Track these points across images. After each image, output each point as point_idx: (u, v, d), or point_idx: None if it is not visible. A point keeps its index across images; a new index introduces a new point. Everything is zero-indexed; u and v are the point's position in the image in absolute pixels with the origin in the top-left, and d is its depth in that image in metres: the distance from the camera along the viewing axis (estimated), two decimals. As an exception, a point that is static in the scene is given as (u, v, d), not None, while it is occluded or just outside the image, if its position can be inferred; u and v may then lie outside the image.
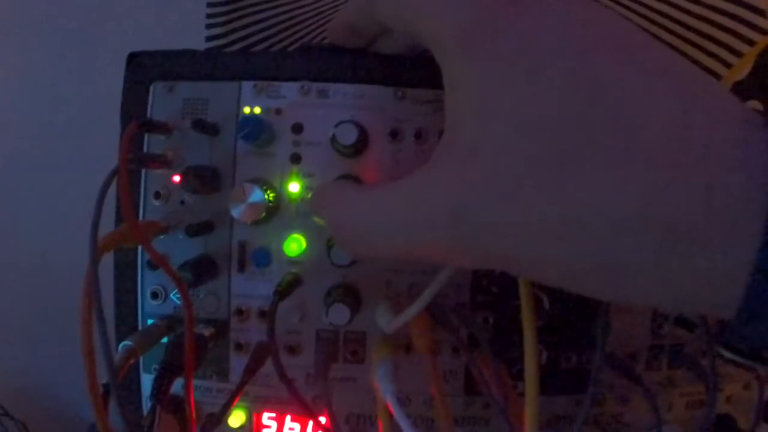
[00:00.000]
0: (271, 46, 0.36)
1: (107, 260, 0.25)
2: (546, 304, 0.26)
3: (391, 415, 0.21)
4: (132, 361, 0.24)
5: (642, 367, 0.28)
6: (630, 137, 0.14)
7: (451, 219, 0.16)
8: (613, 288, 0.16)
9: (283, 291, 0.24)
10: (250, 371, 0.25)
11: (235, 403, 0.25)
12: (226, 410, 0.25)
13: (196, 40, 0.36)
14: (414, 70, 0.26)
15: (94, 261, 0.21)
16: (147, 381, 0.27)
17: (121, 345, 0.24)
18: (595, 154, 0.14)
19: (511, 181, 0.15)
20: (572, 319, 0.27)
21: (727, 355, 0.25)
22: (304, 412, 0.23)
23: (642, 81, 0.15)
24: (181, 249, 0.26)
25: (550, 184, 0.14)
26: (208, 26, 0.35)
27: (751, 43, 0.38)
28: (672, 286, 0.15)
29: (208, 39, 0.35)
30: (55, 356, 0.52)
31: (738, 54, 0.38)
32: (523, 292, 0.21)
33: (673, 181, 0.14)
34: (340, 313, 0.24)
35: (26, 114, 0.51)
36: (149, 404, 0.24)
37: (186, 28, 0.36)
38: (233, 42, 0.36)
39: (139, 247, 0.27)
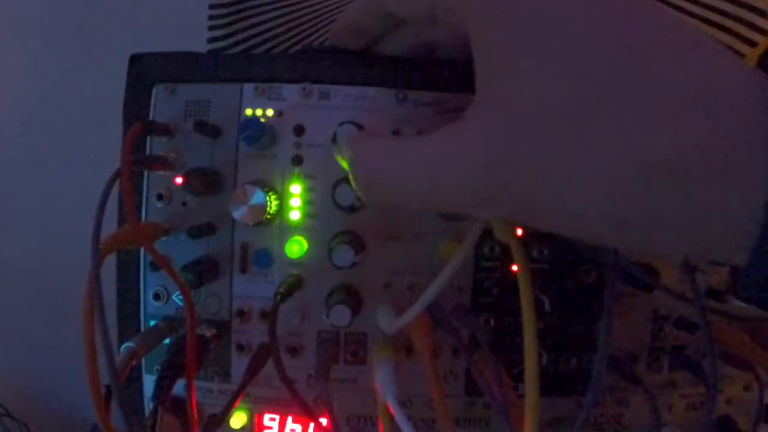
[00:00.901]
0: (273, 47, 0.36)
1: (110, 260, 0.25)
2: (547, 306, 0.26)
3: (391, 417, 0.22)
4: (134, 363, 0.24)
5: (642, 369, 0.28)
6: (658, 84, 0.15)
7: (487, 166, 0.16)
8: (641, 235, 0.16)
9: (285, 293, 0.24)
10: (252, 372, 0.25)
11: (237, 404, 0.25)
12: (227, 411, 0.25)
13: (198, 42, 0.36)
14: (415, 72, 0.26)
15: (96, 264, 0.21)
16: (149, 382, 0.27)
17: (123, 346, 0.24)
18: (626, 101, 0.15)
19: (548, 128, 0.15)
20: (573, 320, 0.27)
21: (739, 303, 0.26)
22: (305, 413, 0.23)
23: (663, 38, 0.15)
24: (183, 250, 0.26)
25: (586, 130, 0.15)
26: (210, 28, 0.35)
27: (752, 44, 0.38)
28: (695, 231, 0.15)
29: (210, 41, 0.35)
30: (56, 356, 0.53)
31: (739, 55, 0.39)
32: (524, 293, 0.21)
33: (697, 127, 0.14)
34: (341, 315, 0.24)
35: (28, 114, 0.51)
36: (151, 405, 0.24)
37: (188, 29, 0.36)
38: (235, 44, 0.36)
39: (142, 249, 0.27)
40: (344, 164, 0.21)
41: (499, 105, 0.16)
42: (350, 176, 0.21)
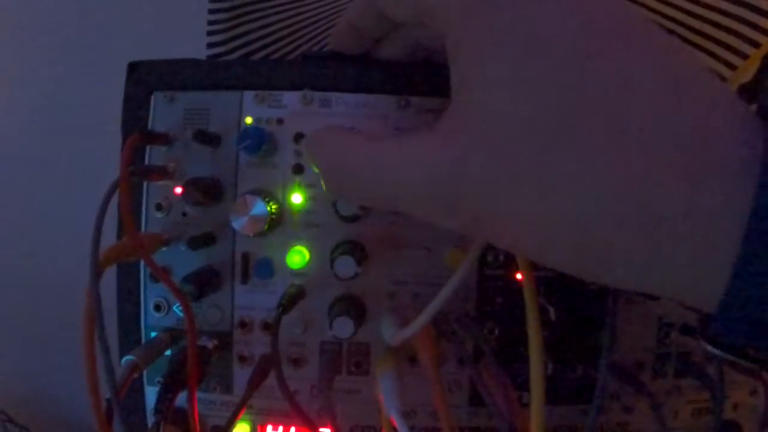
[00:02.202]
0: (273, 53, 0.36)
1: (111, 269, 0.25)
2: (552, 315, 0.25)
3: (395, 430, 0.21)
4: (135, 375, 0.24)
5: (648, 376, 0.28)
6: (630, 110, 0.14)
7: (446, 176, 0.16)
8: (597, 266, 0.16)
9: (287, 304, 0.24)
10: (254, 384, 0.24)
11: (240, 416, 0.24)
12: (230, 424, 0.24)
13: (198, 48, 0.35)
14: (417, 78, 0.26)
15: (95, 279, 0.20)
16: (151, 393, 0.27)
17: (123, 359, 0.24)
18: (590, 127, 0.14)
19: (511, 145, 0.15)
20: (579, 329, 0.26)
21: (711, 350, 0.25)
22: (306, 426, 0.23)
23: (639, 60, 0.15)
24: (183, 260, 0.26)
25: (550, 151, 0.15)
26: (210, 33, 0.35)
27: (755, 44, 0.38)
28: (657, 269, 0.15)
29: (209, 46, 0.35)
30: (59, 362, 0.52)
31: (742, 56, 0.38)
32: (529, 302, 0.21)
33: (662, 159, 0.14)
34: (343, 326, 0.23)
35: (26, 123, 0.50)
36: (153, 417, 0.24)
37: (188, 35, 0.35)
38: (234, 49, 0.35)
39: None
40: (314, 167, 0.21)
41: (467, 116, 0.16)
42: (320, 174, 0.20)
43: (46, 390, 0.55)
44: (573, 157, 0.14)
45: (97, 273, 0.21)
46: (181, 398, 0.24)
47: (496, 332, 0.26)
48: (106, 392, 0.21)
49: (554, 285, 0.26)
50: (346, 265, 0.23)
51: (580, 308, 0.26)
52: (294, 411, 0.23)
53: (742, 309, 0.13)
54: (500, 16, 0.16)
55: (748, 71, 0.38)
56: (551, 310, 0.25)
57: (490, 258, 0.26)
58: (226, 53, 0.35)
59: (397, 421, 0.21)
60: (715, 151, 0.14)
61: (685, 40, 0.38)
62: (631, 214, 0.14)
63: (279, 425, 0.27)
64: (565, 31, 0.15)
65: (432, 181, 0.16)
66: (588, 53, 0.15)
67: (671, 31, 0.38)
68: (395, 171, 0.17)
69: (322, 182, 0.20)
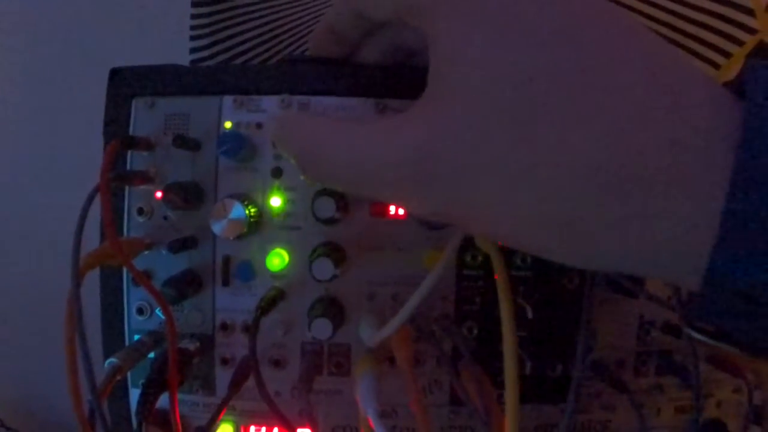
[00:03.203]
0: (255, 56, 0.36)
1: (95, 273, 0.25)
2: (529, 313, 0.26)
3: (372, 429, 0.22)
4: (118, 378, 0.24)
5: (629, 374, 0.28)
6: (608, 88, 0.14)
7: (417, 158, 0.16)
8: (572, 243, 0.16)
9: (265, 307, 0.24)
10: (235, 386, 0.25)
11: (221, 417, 0.25)
12: (211, 424, 0.25)
13: (183, 54, 0.36)
14: (395, 81, 0.26)
15: (76, 283, 0.21)
16: (135, 395, 0.27)
17: (107, 362, 0.24)
18: (564, 104, 0.14)
19: (481, 125, 0.15)
20: (557, 328, 0.26)
21: (694, 335, 0.25)
22: (285, 427, 0.23)
23: (615, 41, 0.15)
24: (165, 264, 0.26)
25: (519, 130, 0.15)
26: (192, 38, 0.35)
27: (739, 43, 0.38)
28: (633, 244, 0.15)
29: (192, 51, 0.35)
30: (51, 365, 0.52)
31: (727, 54, 0.38)
32: (503, 301, 0.21)
33: (639, 133, 0.14)
34: (322, 328, 0.24)
35: (8, 128, 0.51)
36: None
37: (172, 42, 0.36)
38: (217, 54, 0.36)
39: (124, 263, 0.27)
40: (287, 154, 0.20)
41: (443, 98, 0.16)
42: (291, 156, 0.20)
43: (37, 393, 0.55)
44: (551, 137, 0.14)
45: (77, 278, 0.21)
46: (165, 400, 0.24)
47: (475, 332, 0.26)
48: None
49: (532, 283, 0.26)
50: (324, 267, 0.24)
51: (559, 306, 0.26)
52: (272, 412, 0.23)
53: (730, 271, 0.13)
54: (479, 3, 0.16)
55: (731, 69, 0.38)
56: (528, 309, 0.25)
57: (468, 258, 0.26)
58: (209, 58, 0.35)
59: (374, 422, 0.21)
60: (694, 117, 0.14)
61: (669, 39, 0.38)
62: (611, 190, 0.14)
63: (262, 426, 0.27)
64: (543, 15, 0.15)
65: (406, 161, 0.16)
66: (562, 35, 0.15)
67: (654, 32, 0.38)
68: (370, 151, 0.17)
69: (293, 160, 0.20)
